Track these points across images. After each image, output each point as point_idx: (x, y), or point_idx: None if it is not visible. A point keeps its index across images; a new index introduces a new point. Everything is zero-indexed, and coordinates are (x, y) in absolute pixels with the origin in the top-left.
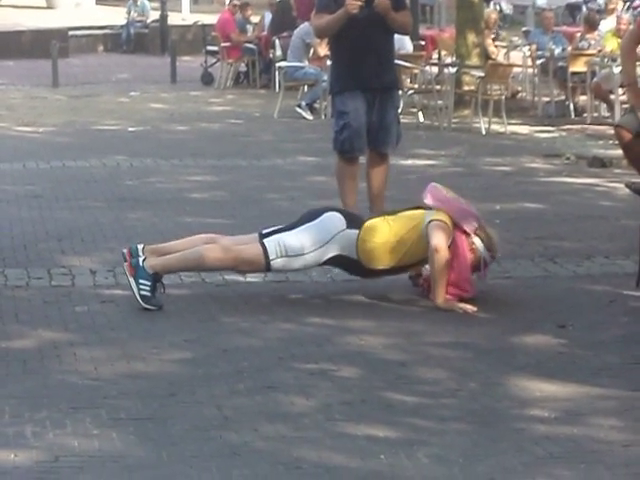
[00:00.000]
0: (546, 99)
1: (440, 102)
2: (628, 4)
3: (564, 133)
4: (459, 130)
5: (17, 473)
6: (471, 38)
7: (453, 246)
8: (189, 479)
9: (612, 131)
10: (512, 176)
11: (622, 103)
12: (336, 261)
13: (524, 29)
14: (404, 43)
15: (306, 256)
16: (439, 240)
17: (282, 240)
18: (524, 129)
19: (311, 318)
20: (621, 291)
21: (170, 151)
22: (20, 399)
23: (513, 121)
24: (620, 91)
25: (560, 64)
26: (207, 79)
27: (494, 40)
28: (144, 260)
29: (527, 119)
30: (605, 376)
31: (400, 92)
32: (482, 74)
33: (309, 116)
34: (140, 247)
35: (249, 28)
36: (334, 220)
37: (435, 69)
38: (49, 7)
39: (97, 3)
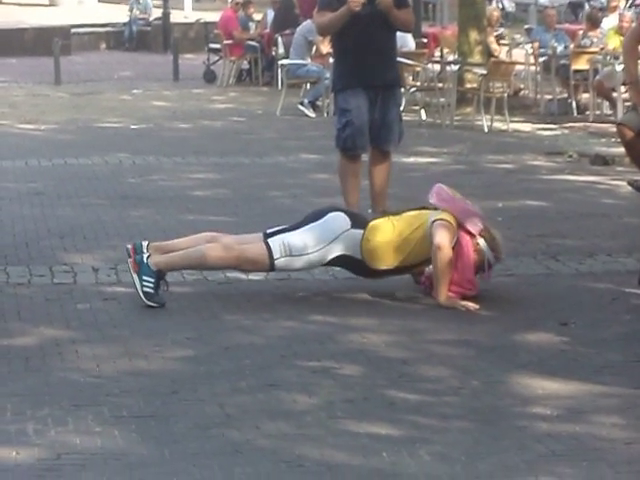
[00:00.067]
0: (548, 97)
1: (442, 100)
2: (630, 2)
3: (566, 131)
4: (461, 128)
5: (19, 471)
6: (473, 36)
7: (457, 246)
8: (191, 477)
9: (614, 129)
10: (514, 174)
11: (624, 101)
12: (340, 261)
13: (526, 27)
14: (406, 41)
15: (310, 256)
16: (442, 238)
17: (286, 240)
18: (526, 127)
19: (313, 316)
20: (623, 289)
21: (172, 149)
22: (22, 397)
23: (515, 119)
24: (622, 89)
25: (562, 62)
26: (209, 77)
27: (497, 38)
28: (148, 257)
29: (529, 117)
30: (607, 374)
31: (402, 90)
32: (484, 72)
33: (311, 114)
34: (145, 244)
35: (251, 26)
36: (339, 220)
37: (437, 67)
38: (52, 4)
39: (99, 1)
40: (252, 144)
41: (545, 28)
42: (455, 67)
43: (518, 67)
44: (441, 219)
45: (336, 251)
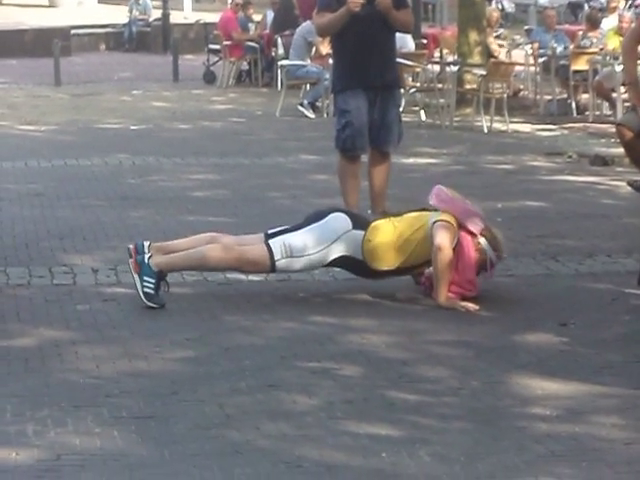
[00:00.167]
0: (548, 97)
1: (442, 100)
2: (630, 2)
3: (566, 131)
4: (461, 128)
5: (18, 471)
6: (473, 36)
7: (458, 247)
8: (191, 478)
9: (614, 129)
10: (514, 174)
11: (624, 101)
12: (341, 262)
13: (526, 27)
14: (406, 41)
15: (311, 257)
16: (442, 239)
17: (287, 241)
18: (526, 127)
19: (313, 317)
20: (623, 289)
21: (172, 149)
22: (21, 398)
23: (515, 119)
24: (622, 89)
25: (562, 62)
26: (209, 77)
27: (497, 39)
28: (149, 257)
29: (529, 117)
30: (607, 374)
31: (402, 90)
32: (484, 72)
33: (311, 114)
34: (146, 244)
35: (251, 26)
36: (340, 221)
37: (437, 67)
38: (51, 6)
39: (99, 2)
40: (252, 145)
41: (545, 29)
42: (455, 68)
43: (518, 68)
44: (442, 220)
45: (337, 252)
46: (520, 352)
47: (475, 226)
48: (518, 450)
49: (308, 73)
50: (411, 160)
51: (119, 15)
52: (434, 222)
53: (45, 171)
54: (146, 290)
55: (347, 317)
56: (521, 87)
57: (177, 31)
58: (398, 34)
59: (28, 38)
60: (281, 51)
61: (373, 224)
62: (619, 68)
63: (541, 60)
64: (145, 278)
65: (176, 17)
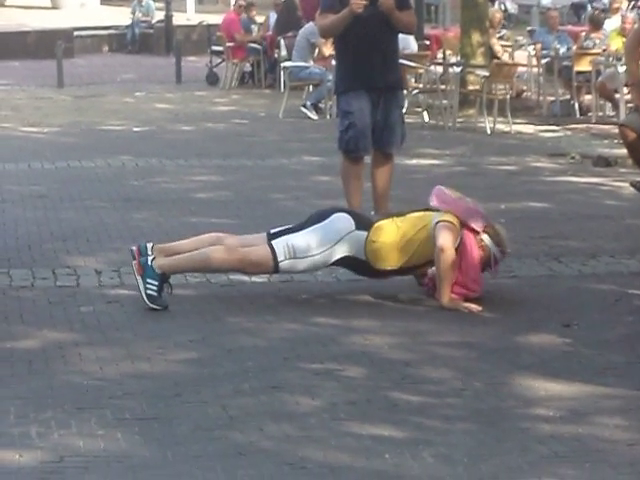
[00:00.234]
0: (551, 98)
1: (445, 102)
2: (633, 3)
3: (569, 132)
4: (464, 129)
5: (22, 473)
6: (476, 37)
7: (461, 247)
8: (194, 479)
9: (617, 130)
10: (517, 175)
11: (627, 102)
12: (344, 262)
13: (529, 28)
14: (409, 42)
15: (314, 257)
16: (445, 240)
17: (290, 241)
18: (529, 128)
19: (316, 318)
20: (626, 290)
21: (175, 151)
22: (25, 399)
23: (518, 120)
24: (625, 90)
25: (565, 63)
26: (212, 79)
27: (500, 40)
28: (153, 259)
29: (532, 118)
30: (610, 375)
31: (405, 92)
32: (487, 73)
33: (314, 116)
34: (149, 246)
35: (254, 28)
36: (343, 221)
37: (440, 68)
38: (54, 7)
39: (102, 3)
40: (254, 146)
41: (547, 30)
42: (457, 69)
43: (520, 69)
44: (444, 221)
45: (340, 252)
46: (523, 353)
47: (477, 223)
48: (521, 451)
49: (311, 74)
50: (414, 161)
51: (122, 17)
52: (437, 222)
53: (48, 173)
54: (149, 292)
55: (350, 318)
56: (524, 88)
57: (180, 33)
58: (401, 35)
59: (31, 40)
60: (284, 52)
61: (376, 224)
62: (622, 69)
63: (544, 61)
64: (148, 280)
65: (179, 19)
